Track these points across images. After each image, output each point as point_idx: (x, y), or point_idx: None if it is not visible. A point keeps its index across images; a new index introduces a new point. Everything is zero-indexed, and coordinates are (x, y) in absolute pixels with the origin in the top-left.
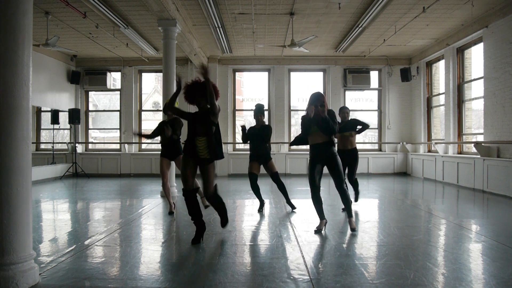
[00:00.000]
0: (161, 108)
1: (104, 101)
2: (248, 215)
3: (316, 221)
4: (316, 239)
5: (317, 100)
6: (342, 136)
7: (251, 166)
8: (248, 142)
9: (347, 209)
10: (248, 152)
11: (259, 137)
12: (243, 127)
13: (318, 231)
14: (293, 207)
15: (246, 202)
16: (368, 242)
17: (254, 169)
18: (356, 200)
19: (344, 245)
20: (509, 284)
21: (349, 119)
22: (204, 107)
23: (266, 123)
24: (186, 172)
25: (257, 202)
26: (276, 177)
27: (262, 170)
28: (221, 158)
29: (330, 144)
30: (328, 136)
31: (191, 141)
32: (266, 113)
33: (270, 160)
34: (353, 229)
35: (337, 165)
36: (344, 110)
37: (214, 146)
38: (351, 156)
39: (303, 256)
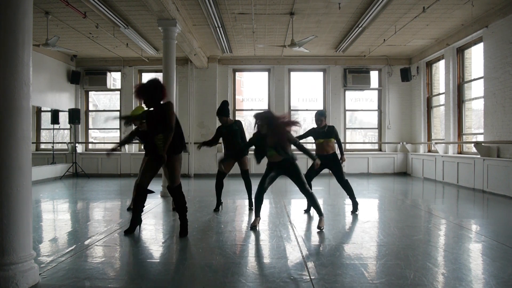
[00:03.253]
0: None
1: (104, 101)
2: (248, 215)
3: (316, 221)
4: (316, 239)
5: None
6: (320, 143)
7: (225, 165)
8: (220, 142)
9: (317, 209)
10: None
11: (233, 133)
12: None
13: (253, 227)
14: (251, 205)
15: (246, 202)
16: (368, 242)
17: (227, 168)
18: (355, 209)
19: (344, 245)
20: (509, 284)
21: (327, 126)
22: (151, 107)
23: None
24: (147, 173)
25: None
26: (246, 175)
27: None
28: (184, 152)
29: (288, 159)
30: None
31: (152, 140)
32: None
33: (245, 156)
34: (320, 228)
35: (297, 172)
36: (320, 117)
37: (174, 140)
38: (333, 160)
39: (303, 256)
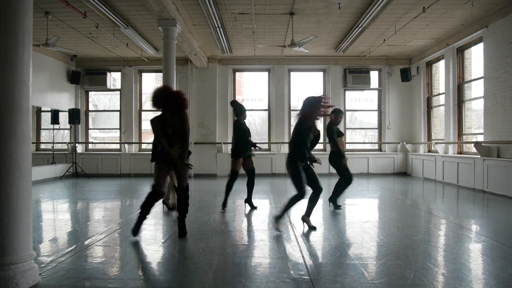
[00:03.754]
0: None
1: (104, 101)
2: (248, 215)
3: (315, 221)
4: (316, 239)
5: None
6: (340, 140)
7: (238, 163)
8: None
9: (312, 208)
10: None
11: (247, 130)
12: None
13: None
14: (253, 206)
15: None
16: (368, 242)
17: (239, 167)
18: (334, 200)
19: (344, 245)
20: (509, 284)
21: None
22: (173, 116)
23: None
24: (160, 176)
25: (258, 202)
26: (253, 173)
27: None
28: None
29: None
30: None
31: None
32: (266, 113)
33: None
34: (314, 228)
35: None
36: (341, 114)
37: (187, 151)
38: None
39: (303, 256)
